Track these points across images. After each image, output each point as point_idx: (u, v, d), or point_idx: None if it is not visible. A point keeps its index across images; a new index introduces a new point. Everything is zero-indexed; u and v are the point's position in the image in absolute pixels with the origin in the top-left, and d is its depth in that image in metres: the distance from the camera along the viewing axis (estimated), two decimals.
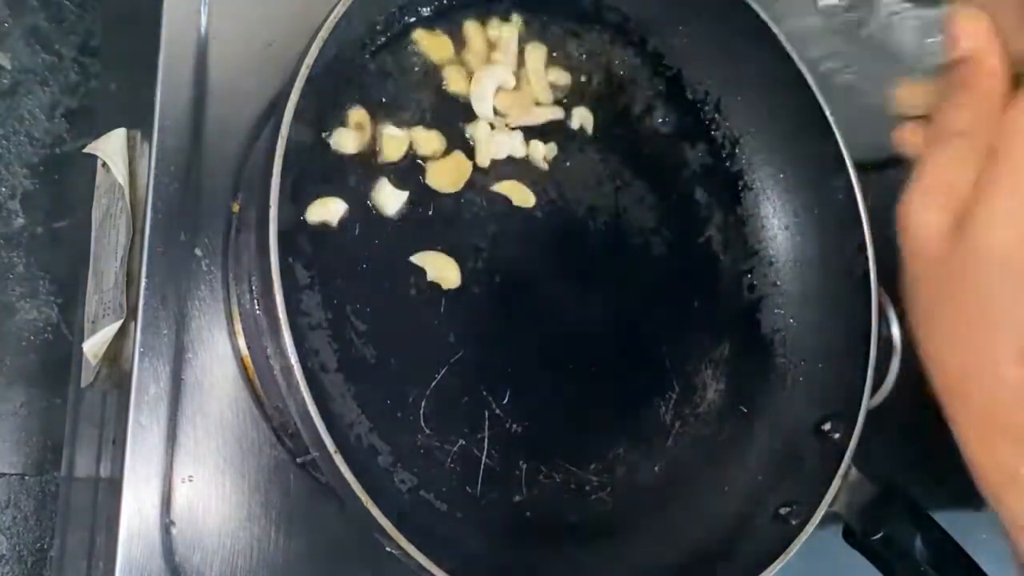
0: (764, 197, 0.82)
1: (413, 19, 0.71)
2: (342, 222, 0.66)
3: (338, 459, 0.55)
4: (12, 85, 0.84)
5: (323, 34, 0.59)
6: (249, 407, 0.67)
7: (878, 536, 0.70)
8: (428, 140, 0.70)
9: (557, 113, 0.75)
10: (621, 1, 0.78)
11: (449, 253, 0.70)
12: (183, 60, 0.68)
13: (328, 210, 0.66)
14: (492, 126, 0.73)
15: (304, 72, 0.59)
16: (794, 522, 0.70)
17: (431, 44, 0.71)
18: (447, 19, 0.72)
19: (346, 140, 0.67)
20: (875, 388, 0.77)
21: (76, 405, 0.80)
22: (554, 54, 0.76)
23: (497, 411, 0.69)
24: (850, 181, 0.76)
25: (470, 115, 0.73)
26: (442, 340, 0.68)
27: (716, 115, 0.81)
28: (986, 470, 0.57)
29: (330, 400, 0.63)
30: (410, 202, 0.69)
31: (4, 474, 0.83)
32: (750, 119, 0.80)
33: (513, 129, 0.74)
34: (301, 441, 0.59)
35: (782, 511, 0.72)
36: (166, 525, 0.63)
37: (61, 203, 0.82)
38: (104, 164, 0.71)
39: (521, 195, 0.73)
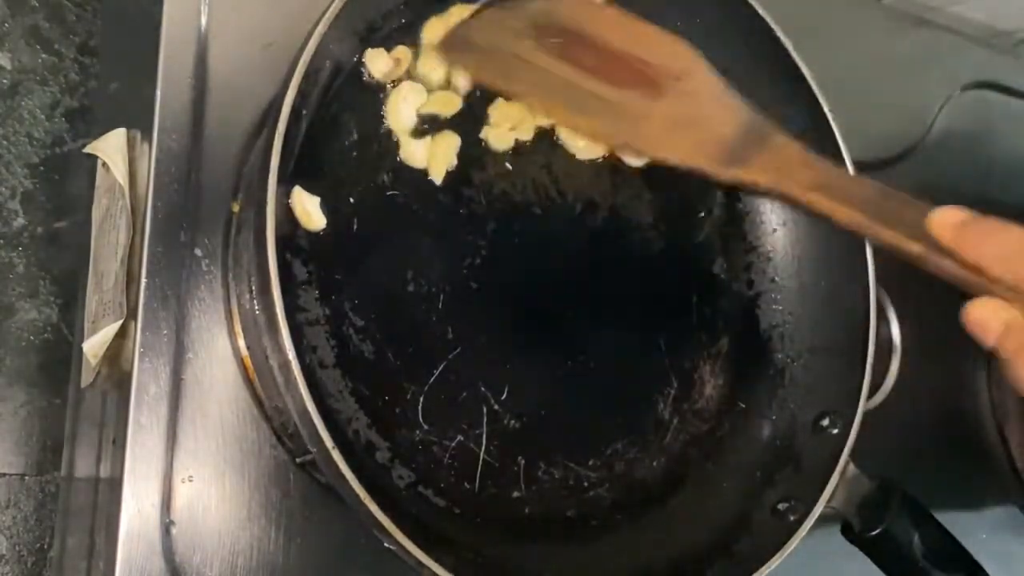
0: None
1: (413, 16, 0.71)
2: (340, 218, 0.66)
3: (336, 455, 0.55)
4: (12, 85, 0.84)
5: (321, 29, 0.59)
6: (249, 407, 0.67)
7: (876, 532, 0.70)
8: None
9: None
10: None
11: (448, 250, 0.70)
12: (183, 60, 0.68)
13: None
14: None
15: (301, 70, 0.59)
16: (792, 518, 0.70)
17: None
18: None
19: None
20: (875, 389, 0.78)
21: (76, 405, 0.80)
22: None
23: (495, 407, 0.69)
24: None
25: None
26: (440, 336, 0.68)
27: None
28: None
29: (328, 396, 0.63)
30: (410, 200, 0.70)
31: (4, 474, 0.82)
32: None
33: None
34: (301, 441, 0.59)
35: (780, 507, 0.72)
36: (166, 525, 0.63)
37: (61, 203, 0.82)
38: (104, 164, 0.71)
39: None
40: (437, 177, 0.70)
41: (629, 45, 0.71)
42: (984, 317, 0.58)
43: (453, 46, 0.71)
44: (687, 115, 0.69)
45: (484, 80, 0.71)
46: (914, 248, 0.61)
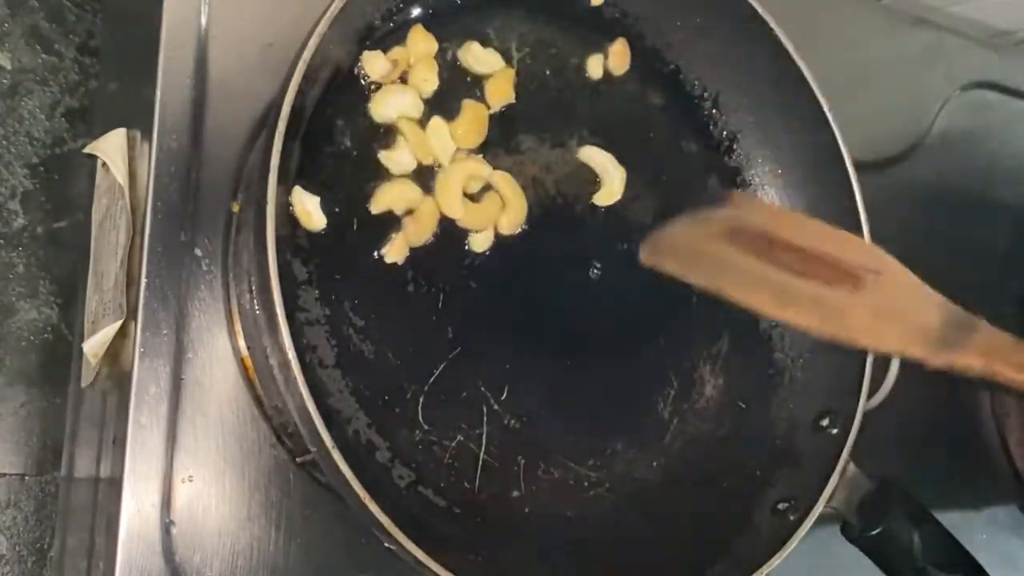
0: (763, 193, 0.82)
1: (412, 15, 0.71)
2: (340, 218, 0.66)
3: (336, 455, 0.55)
4: (12, 85, 0.84)
5: (321, 29, 0.59)
6: (249, 407, 0.67)
7: (876, 531, 0.70)
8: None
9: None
10: None
11: (448, 250, 0.70)
12: (183, 60, 0.68)
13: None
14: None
15: (301, 70, 0.59)
16: (792, 517, 0.70)
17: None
18: (445, 17, 0.73)
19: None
20: (875, 389, 0.78)
21: (76, 405, 0.80)
22: (552, 50, 0.76)
23: (495, 407, 0.69)
24: (849, 180, 0.77)
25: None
26: (440, 336, 0.68)
27: (714, 111, 0.81)
28: None
29: (328, 396, 0.63)
30: None
31: (4, 474, 0.83)
32: (749, 115, 0.81)
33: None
34: (301, 441, 0.59)
35: (780, 506, 0.72)
36: (166, 525, 0.63)
37: (61, 203, 0.82)
38: (104, 164, 0.71)
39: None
40: (396, 256, 0.69)
41: (820, 244, 0.71)
42: None
43: (657, 252, 0.72)
44: (890, 307, 0.69)
45: (690, 279, 0.71)
46: None
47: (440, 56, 0.72)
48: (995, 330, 0.67)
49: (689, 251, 0.72)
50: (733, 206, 0.74)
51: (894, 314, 0.68)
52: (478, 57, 0.73)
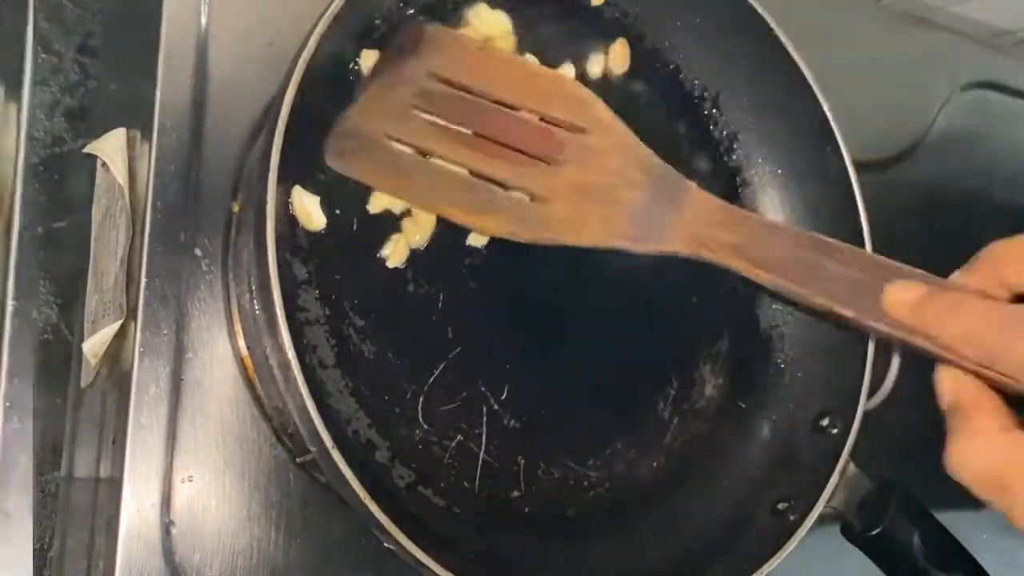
0: (762, 193, 0.81)
1: (411, 11, 0.71)
2: (340, 217, 0.66)
3: (335, 455, 0.55)
4: None
5: (320, 29, 0.59)
6: (249, 407, 0.67)
7: (876, 531, 0.70)
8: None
9: None
10: None
11: (448, 249, 0.70)
12: (183, 60, 0.68)
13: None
14: None
15: (300, 70, 0.59)
16: (792, 517, 0.70)
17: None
18: (445, 17, 0.72)
19: None
20: (875, 389, 0.77)
21: (76, 405, 0.80)
22: (551, 51, 0.76)
23: (495, 406, 0.69)
24: (849, 179, 0.77)
25: None
26: (440, 335, 0.68)
27: (714, 111, 0.81)
28: None
29: (328, 396, 0.63)
30: None
31: None
32: (749, 115, 0.81)
33: None
34: (301, 441, 0.59)
35: (780, 506, 0.72)
36: (166, 525, 0.63)
37: (61, 203, 0.82)
38: (104, 164, 0.71)
39: None
40: (397, 260, 0.68)
41: (525, 96, 0.66)
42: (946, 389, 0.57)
43: (341, 149, 0.65)
44: (594, 180, 0.64)
45: (380, 188, 0.66)
46: (869, 324, 0.59)
47: None
48: (702, 196, 0.62)
49: (373, 139, 0.65)
50: (427, 48, 0.67)
51: (598, 192, 0.63)
52: (483, 18, 0.72)
